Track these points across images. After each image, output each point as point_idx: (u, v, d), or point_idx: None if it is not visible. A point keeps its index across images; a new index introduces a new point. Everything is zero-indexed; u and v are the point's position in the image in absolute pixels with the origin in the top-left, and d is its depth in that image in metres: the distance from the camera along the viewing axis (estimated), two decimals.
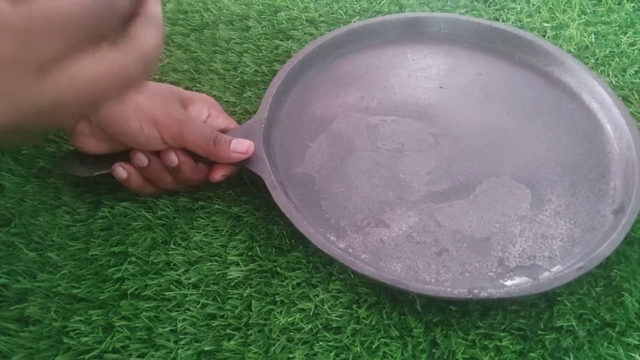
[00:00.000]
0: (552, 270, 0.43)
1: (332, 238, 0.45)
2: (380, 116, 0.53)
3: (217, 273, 0.45)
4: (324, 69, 0.57)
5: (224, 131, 0.48)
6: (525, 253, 0.44)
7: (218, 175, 0.47)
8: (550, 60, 0.56)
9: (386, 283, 0.40)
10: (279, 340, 0.41)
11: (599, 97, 0.52)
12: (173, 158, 0.46)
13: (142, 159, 0.46)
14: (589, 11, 0.65)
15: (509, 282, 0.42)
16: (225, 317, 0.42)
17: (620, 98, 0.56)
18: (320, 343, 0.41)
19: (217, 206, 0.49)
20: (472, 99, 0.54)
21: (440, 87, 0.55)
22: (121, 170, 0.46)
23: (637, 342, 0.40)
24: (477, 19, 0.59)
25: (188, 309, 0.42)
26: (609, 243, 0.42)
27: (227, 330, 0.41)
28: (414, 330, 0.41)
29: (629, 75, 0.58)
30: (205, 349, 0.40)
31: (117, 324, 0.41)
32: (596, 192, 0.47)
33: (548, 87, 0.55)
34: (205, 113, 0.49)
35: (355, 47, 0.59)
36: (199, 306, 0.43)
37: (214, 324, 0.42)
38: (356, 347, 0.40)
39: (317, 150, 0.51)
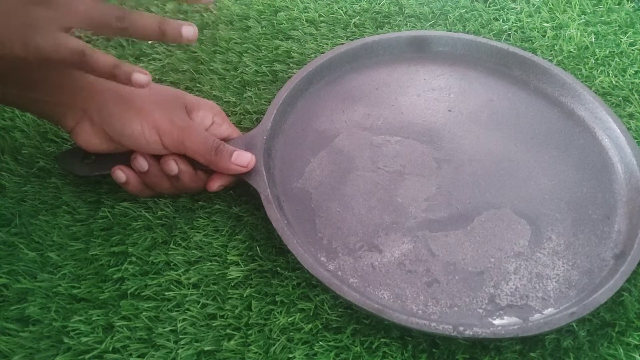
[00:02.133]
0: (544, 312, 0.41)
1: (322, 259, 0.44)
2: (385, 136, 0.52)
3: (217, 273, 0.45)
4: (334, 82, 0.56)
5: (226, 139, 0.48)
6: (518, 292, 0.42)
7: (215, 185, 0.47)
8: (566, 90, 0.54)
9: (370, 311, 0.39)
10: (279, 340, 0.41)
11: (612, 134, 0.51)
12: (173, 167, 0.46)
13: (142, 164, 0.46)
14: (589, 11, 0.65)
15: (497, 321, 0.41)
16: (225, 317, 0.42)
17: (621, 98, 0.56)
18: (320, 343, 0.41)
19: (217, 206, 0.49)
20: (481, 125, 0.53)
21: (449, 111, 0.54)
22: (120, 174, 0.46)
23: (637, 342, 0.40)
24: (494, 42, 0.58)
25: (188, 309, 0.42)
26: (606, 289, 0.40)
27: (227, 330, 0.41)
28: (414, 330, 0.41)
29: (629, 75, 0.58)
30: (205, 349, 0.40)
31: (117, 324, 0.41)
32: (599, 233, 0.45)
33: (561, 119, 0.53)
34: (209, 120, 0.48)
35: (367, 62, 0.58)
36: (199, 306, 0.43)
37: (214, 324, 0.42)
38: (356, 347, 0.40)
39: (317, 166, 0.50)
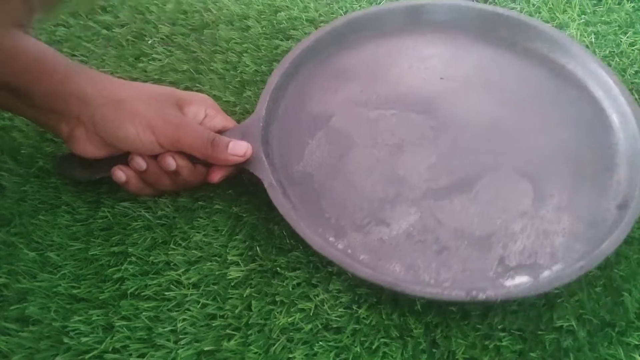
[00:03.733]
0: (552, 268, 0.42)
1: (330, 239, 0.44)
2: (380, 110, 0.52)
3: (217, 273, 0.45)
4: (323, 62, 0.55)
5: (221, 131, 0.48)
6: (526, 250, 0.43)
7: (217, 177, 0.47)
8: (556, 46, 0.54)
9: (383, 285, 0.40)
10: (279, 340, 0.41)
11: (605, 86, 0.51)
12: (170, 162, 0.46)
13: (140, 163, 0.46)
14: (589, 11, 0.65)
15: (508, 282, 0.41)
16: (225, 317, 0.42)
17: None
18: (320, 343, 0.41)
19: (217, 206, 0.49)
20: (473, 91, 0.53)
21: (441, 78, 0.54)
22: (120, 174, 0.46)
23: (637, 342, 0.40)
24: (479, 4, 0.57)
25: (188, 309, 0.42)
26: (612, 240, 0.41)
27: (227, 330, 0.41)
28: (414, 330, 0.41)
29: (629, 75, 0.58)
30: (205, 349, 0.40)
31: (117, 324, 0.41)
32: (600, 185, 0.46)
33: (552, 76, 0.53)
34: (202, 114, 0.48)
35: (353, 38, 0.57)
36: (199, 306, 0.43)
37: (214, 324, 0.42)
38: (356, 347, 0.40)
39: (316, 147, 0.50)
